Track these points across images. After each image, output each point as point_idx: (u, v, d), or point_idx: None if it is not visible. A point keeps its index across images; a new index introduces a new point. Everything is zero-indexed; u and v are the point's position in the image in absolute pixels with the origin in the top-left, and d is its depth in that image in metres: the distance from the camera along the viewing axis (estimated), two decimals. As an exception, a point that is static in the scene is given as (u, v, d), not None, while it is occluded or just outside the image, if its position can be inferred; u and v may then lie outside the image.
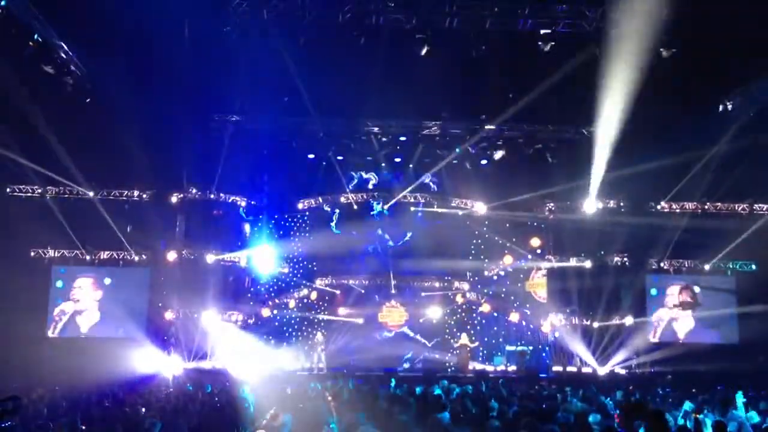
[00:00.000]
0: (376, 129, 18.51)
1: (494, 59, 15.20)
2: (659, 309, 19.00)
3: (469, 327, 20.01)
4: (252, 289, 19.99)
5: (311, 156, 19.50)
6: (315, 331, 19.28)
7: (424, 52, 14.38)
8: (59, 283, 18.24)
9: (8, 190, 17.57)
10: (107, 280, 18.39)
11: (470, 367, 18.15)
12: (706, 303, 18.93)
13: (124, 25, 13.25)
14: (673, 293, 19.12)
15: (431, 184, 20.25)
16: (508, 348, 19.23)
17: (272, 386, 11.96)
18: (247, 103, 17.34)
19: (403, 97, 15.69)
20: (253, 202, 19.77)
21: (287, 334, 19.82)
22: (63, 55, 14.52)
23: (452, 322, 20.11)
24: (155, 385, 13.80)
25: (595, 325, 18.57)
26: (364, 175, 19.67)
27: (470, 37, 14.67)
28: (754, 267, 18.96)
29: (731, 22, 13.15)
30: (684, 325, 18.92)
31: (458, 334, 19.30)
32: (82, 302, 18.20)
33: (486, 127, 18.05)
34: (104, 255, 18.52)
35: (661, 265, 19.30)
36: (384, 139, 18.94)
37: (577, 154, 17.90)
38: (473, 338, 19.27)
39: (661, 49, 14.15)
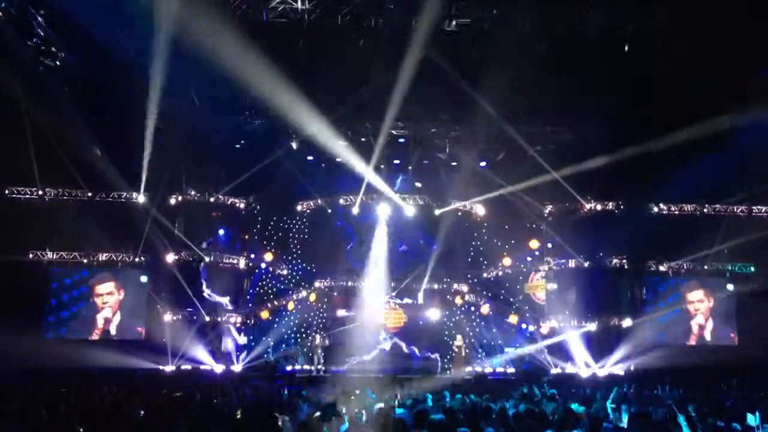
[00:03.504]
0: (375, 130, 18.51)
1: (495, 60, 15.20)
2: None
3: (468, 329, 20.01)
4: (251, 291, 19.95)
5: (310, 158, 19.50)
6: (314, 333, 19.25)
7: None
8: (59, 283, 18.21)
9: (7, 191, 17.53)
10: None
11: (466, 368, 18.11)
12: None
13: (124, 25, 13.24)
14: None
15: (430, 185, 20.26)
16: (507, 350, 19.21)
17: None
18: (247, 104, 17.30)
19: (402, 98, 15.67)
20: (252, 204, 19.75)
21: (286, 336, 19.79)
22: (63, 55, 14.51)
23: (451, 324, 20.11)
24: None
25: (594, 326, 18.56)
26: (364, 177, 19.58)
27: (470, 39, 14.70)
28: (752, 269, 19.00)
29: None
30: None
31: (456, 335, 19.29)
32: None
33: (485, 128, 18.07)
34: (102, 257, 18.47)
35: (660, 267, 19.32)
36: (383, 141, 18.93)
37: (576, 154, 17.87)
38: (465, 340, 19.23)
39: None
